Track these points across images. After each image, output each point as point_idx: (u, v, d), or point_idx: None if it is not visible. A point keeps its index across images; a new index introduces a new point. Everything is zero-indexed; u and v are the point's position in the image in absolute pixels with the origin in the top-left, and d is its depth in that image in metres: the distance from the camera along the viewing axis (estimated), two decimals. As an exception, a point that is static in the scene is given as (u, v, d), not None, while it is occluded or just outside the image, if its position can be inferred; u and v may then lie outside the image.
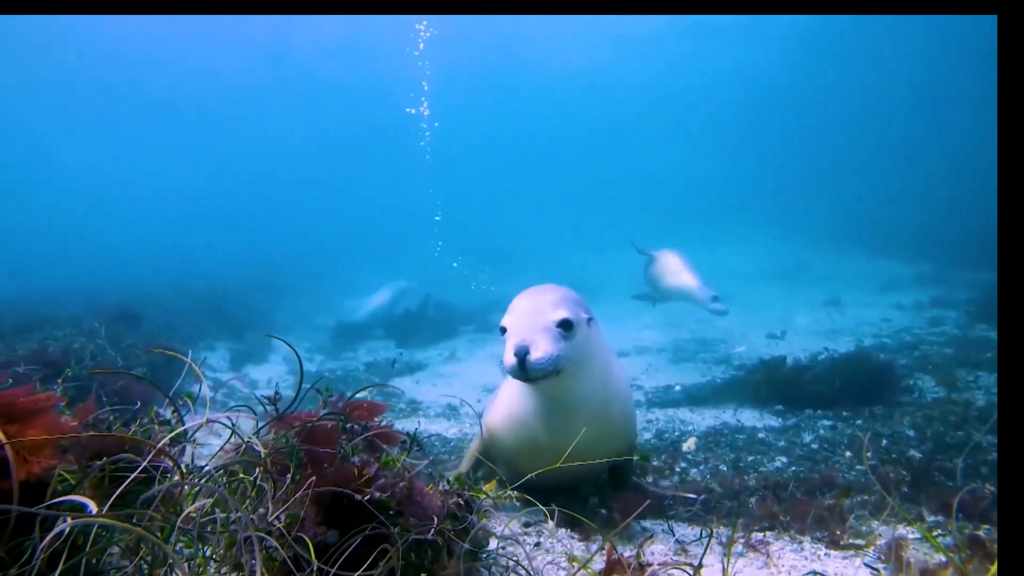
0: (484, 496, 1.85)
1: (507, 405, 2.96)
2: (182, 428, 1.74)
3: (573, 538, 2.58)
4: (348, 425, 2.00)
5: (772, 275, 17.71)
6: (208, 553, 1.65)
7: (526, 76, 30.64)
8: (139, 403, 2.25)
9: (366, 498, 1.61)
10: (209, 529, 1.64)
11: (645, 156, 43.65)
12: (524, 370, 2.38)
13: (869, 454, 4.38)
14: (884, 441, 4.60)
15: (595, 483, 3.44)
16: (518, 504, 3.01)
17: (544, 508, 2.14)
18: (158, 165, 40.25)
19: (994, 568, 1.80)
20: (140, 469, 1.37)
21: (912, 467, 4.00)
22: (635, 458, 3.23)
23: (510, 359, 2.40)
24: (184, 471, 1.54)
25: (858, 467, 4.24)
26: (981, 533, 2.58)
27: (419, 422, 7.05)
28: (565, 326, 2.51)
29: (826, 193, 32.43)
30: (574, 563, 2.21)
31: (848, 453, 4.56)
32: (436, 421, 6.96)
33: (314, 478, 1.62)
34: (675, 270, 8.37)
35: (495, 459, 3.05)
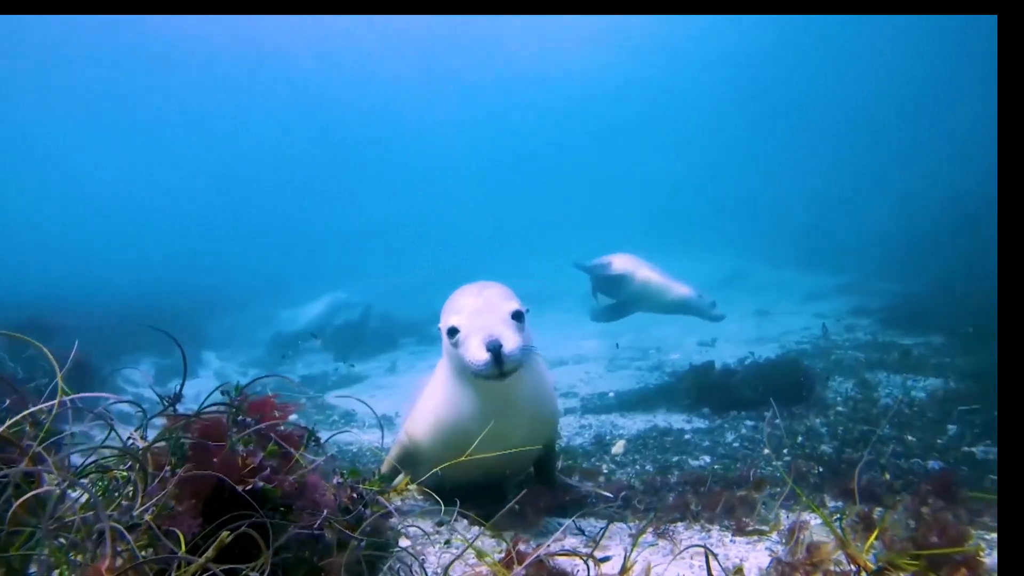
0: (376, 488, 1.80)
1: (433, 411, 2.82)
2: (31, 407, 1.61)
3: (486, 535, 2.54)
4: (240, 419, 1.91)
5: (710, 286, 18.32)
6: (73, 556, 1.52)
7: (480, 83, 30.87)
8: (7, 402, 2.07)
9: (247, 488, 1.53)
10: (76, 529, 1.52)
11: (585, 167, 44.70)
12: (499, 364, 2.28)
13: (785, 450, 4.58)
14: (800, 438, 4.82)
15: (519, 482, 3.42)
16: (421, 502, 2.96)
17: (444, 505, 2.10)
18: (94, 174, 37.86)
19: (872, 538, 1.89)
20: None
21: (823, 460, 4.22)
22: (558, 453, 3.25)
23: (481, 355, 2.28)
24: (33, 461, 1.42)
25: (775, 463, 4.42)
26: (875, 515, 2.72)
27: (353, 432, 6.87)
28: (518, 317, 2.47)
29: (762, 209, 34.17)
30: (483, 558, 2.17)
31: (767, 450, 4.74)
32: (370, 431, 6.80)
33: (189, 468, 1.53)
34: (664, 283, 7.58)
35: (418, 466, 2.97)
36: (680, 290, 7.56)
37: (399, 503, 2.91)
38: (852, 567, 1.74)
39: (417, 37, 24.88)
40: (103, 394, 1.65)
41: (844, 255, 18.10)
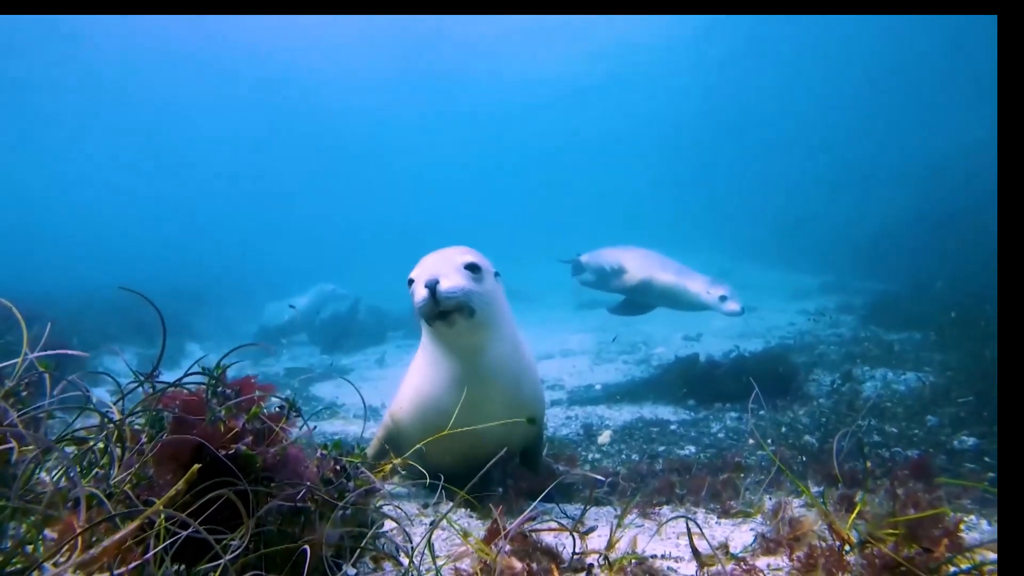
0: (359, 460, 1.78)
1: (414, 387, 2.86)
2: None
3: (471, 517, 2.54)
4: (220, 390, 1.88)
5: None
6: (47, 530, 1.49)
7: (467, 81, 30.78)
8: None
9: (228, 453, 1.50)
10: (48, 502, 1.49)
11: (574, 167, 44.82)
12: (435, 300, 2.37)
13: (769, 440, 4.62)
14: (783, 429, 4.87)
15: (505, 468, 3.41)
16: (407, 487, 2.94)
17: (428, 486, 2.09)
18: (79, 167, 37.14)
19: (853, 515, 1.91)
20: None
21: (806, 450, 4.27)
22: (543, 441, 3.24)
23: (421, 292, 2.40)
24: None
25: (759, 452, 4.45)
26: (856, 498, 2.75)
27: (337, 423, 6.83)
28: (472, 268, 2.54)
29: (750, 210, 34.54)
30: (467, 537, 2.16)
31: (751, 441, 4.78)
32: (355, 422, 6.75)
33: (166, 436, 1.50)
34: (681, 284, 6.93)
35: (401, 449, 2.95)
36: (695, 288, 6.95)
37: (383, 485, 2.89)
38: (836, 542, 1.75)
39: (415, 34, 24.78)
40: (74, 351, 1.62)
41: (828, 255, 18.36)
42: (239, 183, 44.06)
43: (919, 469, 2.81)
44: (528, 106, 33.77)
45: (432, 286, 2.37)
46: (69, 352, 1.67)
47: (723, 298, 6.85)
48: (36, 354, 1.56)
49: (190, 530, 1.26)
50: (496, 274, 2.75)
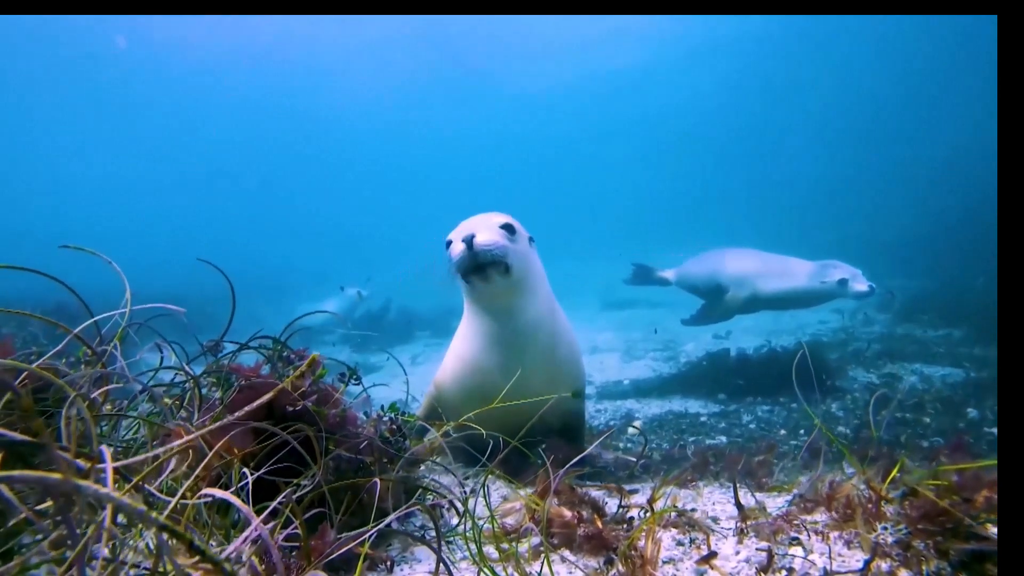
0: (414, 420, 1.89)
1: (456, 352, 2.93)
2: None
3: (511, 486, 2.62)
4: (285, 354, 2.02)
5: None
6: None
7: (489, 84, 31.03)
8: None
9: (298, 408, 1.62)
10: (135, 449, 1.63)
11: (613, 170, 44.73)
12: (472, 254, 2.43)
13: (802, 431, 4.61)
14: (816, 420, 4.84)
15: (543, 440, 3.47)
16: (448, 463, 3.04)
17: (472, 457, 2.19)
18: (115, 168, 38.55)
19: (892, 474, 1.95)
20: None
21: (839, 440, 4.25)
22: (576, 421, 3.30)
23: (458, 247, 2.46)
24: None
25: (791, 442, 4.45)
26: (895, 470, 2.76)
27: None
28: (508, 228, 2.61)
29: (779, 208, 34.01)
30: (506, 502, 2.25)
31: (783, 431, 4.77)
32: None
33: (243, 387, 1.63)
34: (790, 287, 6.32)
35: (445, 416, 3.04)
36: (805, 284, 6.26)
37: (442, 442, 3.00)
38: (875, 498, 1.79)
39: (440, 35, 25.16)
40: (164, 305, 1.77)
41: (861, 253, 17.99)
42: (263, 187, 45.09)
43: (957, 449, 2.81)
44: (547, 107, 33.88)
45: (469, 240, 2.45)
46: (167, 307, 1.82)
47: (843, 281, 6.09)
48: (138, 306, 1.71)
49: (277, 447, 1.38)
50: (531, 239, 2.81)
